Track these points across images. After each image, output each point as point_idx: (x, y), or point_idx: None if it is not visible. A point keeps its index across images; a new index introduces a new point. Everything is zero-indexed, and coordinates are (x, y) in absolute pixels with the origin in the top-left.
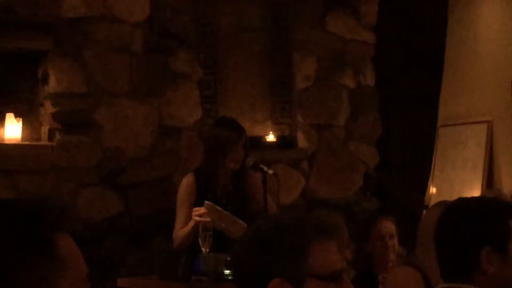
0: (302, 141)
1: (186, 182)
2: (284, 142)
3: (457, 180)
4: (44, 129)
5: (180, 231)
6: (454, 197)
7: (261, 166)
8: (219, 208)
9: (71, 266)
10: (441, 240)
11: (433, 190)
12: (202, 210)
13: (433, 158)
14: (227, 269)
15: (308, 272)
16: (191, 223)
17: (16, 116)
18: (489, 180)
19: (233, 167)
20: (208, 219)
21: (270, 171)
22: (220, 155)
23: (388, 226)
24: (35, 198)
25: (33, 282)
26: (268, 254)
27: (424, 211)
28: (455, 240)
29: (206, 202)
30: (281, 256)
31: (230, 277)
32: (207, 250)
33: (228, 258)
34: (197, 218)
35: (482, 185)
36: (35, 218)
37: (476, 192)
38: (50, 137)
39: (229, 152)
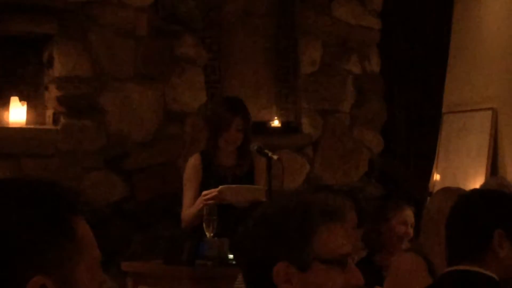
0: (306, 126)
1: (193, 162)
2: (289, 128)
3: (461, 167)
4: (49, 113)
5: (188, 211)
6: (458, 184)
7: (266, 151)
8: (233, 186)
9: (87, 249)
10: (454, 223)
11: (437, 177)
12: (213, 192)
13: (437, 145)
14: (231, 254)
15: (313, 256)
16: (200, 205)
17: (20, 100)
18: (493, 167)
19: (227, 147)
20: (212, 201)
21: (275, 156)
22: (217, 134)
23: (411, 215)
24: (52, 180)
25: (55, 263)
26: (273, 238)
27: (428, 198)
28: (470, 221)
29: (221, 186)
30: (287, 240)
31: (234, 262)
32: (212, 234)
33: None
34: (209, 202)
35: (486, 172)
36: (57, 199)
37: (480, 179)
38: (55, 121)
39: (223, 132)
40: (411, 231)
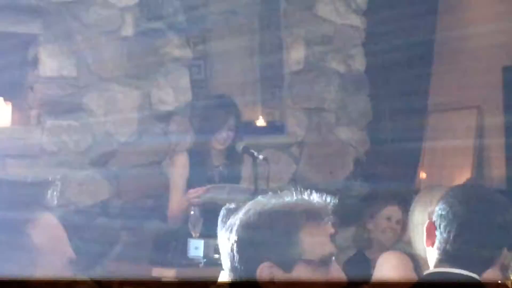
0: (292, 126)
1: (180, 160)
2: (274, 127)
3: (447, 166)
4: (34, 113)
5: (174, 209)
6: (444, 182)
7: (251, 150)
8: (219, 185)
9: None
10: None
11: (423, 175)
12: (200, 191)
13: (423, 143)
14: (217, 255)
15: (297, 256)
16: (185, 203)
17: (5, 100)
18: (479, 165)
19: (218, 147)
20: (199, 200)
21: (260, 156)
22: (208, 134)
23: (397, 211)
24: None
25: None
26: (258, 238)
27: (414, 197)
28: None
29: (208, 186)
30: (271, 241)
31: (220, 262)
32: (198, 235)
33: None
34: (195, 200)
35: (472, 170)
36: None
37: (466, 177)
38: (40, 121)
39: (215, 131)
40: (396, 226)
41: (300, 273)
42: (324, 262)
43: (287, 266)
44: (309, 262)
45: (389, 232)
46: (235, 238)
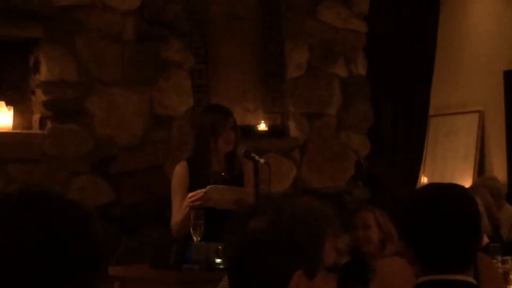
0: (293, 130)
1: (179, 170)
2: (276, 131)
3: (448, 170)
4: (35, 118)
5: (176, 217)
6: None
7: (253, 155)
8: (220, 186)
9: None
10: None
11: (424, 179)
12: (200, 193)
13: (425, 147)
14: (218, 258)
15: (322, 264)
16: (186, 208)
17: (7, 104)
18: (480, 169)
19: (226, 148)
20: (199, 203)
21: (262, 160)
22: (211, 139)
23: (364, 216)
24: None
25: None
26: (292, 248)
27: None
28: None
29: (208, 186)
30: (305, 250)
31: (221, 266)
32: (198, 239)
33: (220, 247)
34: (195, 204)
35: (474, 174)
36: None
37: (467, 181)
38: (41, 125)
39: (219, 134)
40: (363, 232)
41: (320, 280)
42: (337, 268)
43: (313, 274)
44: (328, 270)
45: (359, 241)
46: (268, 246)
